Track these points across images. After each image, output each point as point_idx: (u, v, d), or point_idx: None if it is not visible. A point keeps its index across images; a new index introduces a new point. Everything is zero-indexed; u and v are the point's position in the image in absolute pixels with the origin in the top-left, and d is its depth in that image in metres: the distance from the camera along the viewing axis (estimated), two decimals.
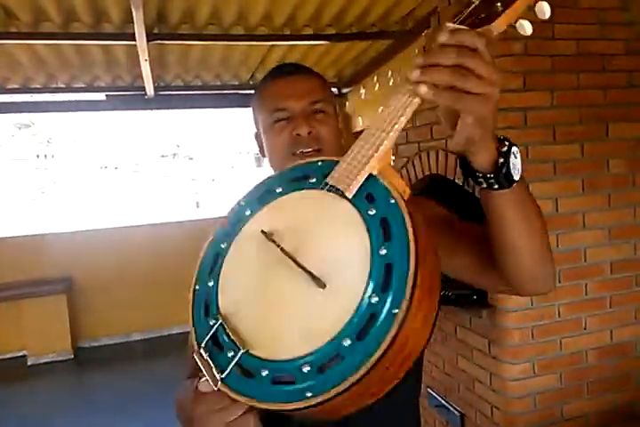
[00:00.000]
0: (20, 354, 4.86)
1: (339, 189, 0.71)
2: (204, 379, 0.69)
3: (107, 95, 4.76)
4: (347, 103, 5.42)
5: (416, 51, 3.00)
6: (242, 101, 5.25)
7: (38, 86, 4.50)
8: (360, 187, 0.70)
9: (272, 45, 3.98)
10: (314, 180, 0.76)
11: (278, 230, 0.75)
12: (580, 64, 2.29)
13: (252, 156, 41.76)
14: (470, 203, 2.46)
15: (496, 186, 0.73)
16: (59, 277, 4.98)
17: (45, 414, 3.77)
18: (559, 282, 2.32)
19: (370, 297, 0.62)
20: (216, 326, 0.72)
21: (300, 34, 3.74)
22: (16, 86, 4.46)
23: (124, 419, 3.53)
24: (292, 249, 0.71)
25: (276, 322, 0.69)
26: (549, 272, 0.87)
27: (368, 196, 0.69)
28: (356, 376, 0.59)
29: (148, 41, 3.37)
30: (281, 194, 0.79)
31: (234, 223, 0.81)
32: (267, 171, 1.04)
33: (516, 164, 0.72)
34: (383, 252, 0.64)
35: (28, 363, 4.77)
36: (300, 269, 0.68)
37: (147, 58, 3.63)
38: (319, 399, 0.61)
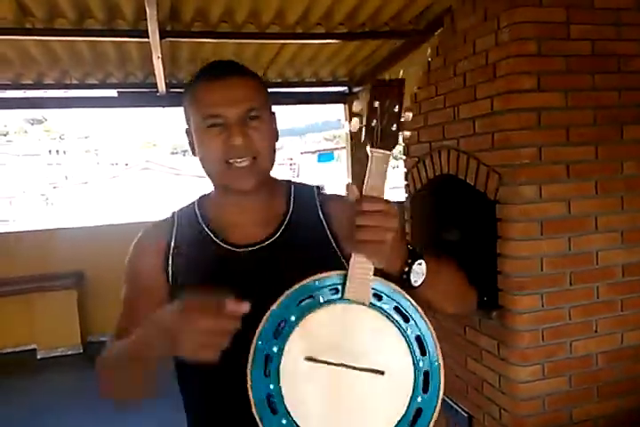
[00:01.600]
0: (30, 347, 4.90)
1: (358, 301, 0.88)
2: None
3: (119, 92, 4.79)
4: (354, 102, 5.40)
5: (428, 50, 2.98)
6: None
7: (52, 82, 4.53)
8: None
9: (284, 44, 3.98)
10: (321, 298, 0.88)
11: (317, 351, 0.86)
12: (594, 65, 2.26)
13: None
14: (481, 203, 2.45)
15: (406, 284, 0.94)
16: (69, 271, 5.01)
17: (55, 406, 3.80)
18: (570, 284, 2.30)
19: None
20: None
21: (312, 32, 3.73)
22: (30, 82, 4.49)
23: (131, 413, 3.55)
24: (338, 360, 0.85)
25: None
26: (471, 304, 1.16)
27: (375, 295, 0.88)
28: None
29: (160, 38, 3.38)
30: (297, 321, 0.87)
31: (272, 369, 0.86)
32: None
33: (419, 271, 0.95)
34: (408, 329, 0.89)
35: (38, 356, 4.80)
36: (355, 371, 0.85)
37: (159, 55, 3.64)
38: None
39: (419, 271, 0.94)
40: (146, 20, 3.05)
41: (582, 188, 2.28)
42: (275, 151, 1.08)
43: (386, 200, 0.86)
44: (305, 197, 1.15)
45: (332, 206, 1.13)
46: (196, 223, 1.11)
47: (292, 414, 0.84)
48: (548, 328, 2.30)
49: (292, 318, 0.86)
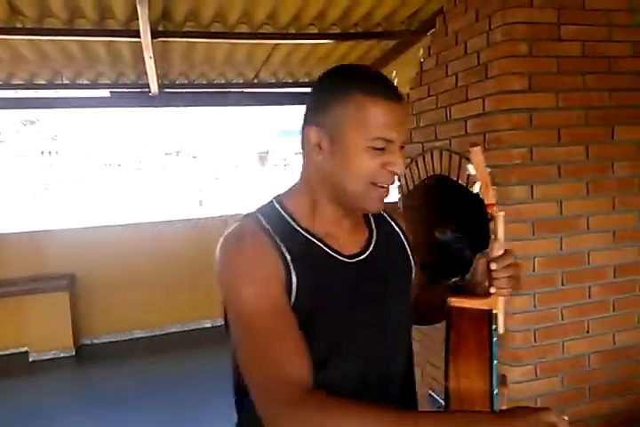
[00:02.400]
0: (22, 350, 4.86)
1: None
2: None
3: (111, 92, 4.76)
4: None
5: (421, 51, 2.98)
6: (246, 100, 5.25)
7: (43, 82, 4.50)
8: None
9: (277, 44, 3.97)
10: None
11: None
12: (585, 66, 2.27)
13: (255, 155, 41.75)
14: (472, 203, 2.44)
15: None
16: (61, 273, 4.98)
17: (46, 409, 3.77)
18: (562, 285, 2.31)
19: None
20: None
21: (305, 33, 3.72)
22: (21, 82, 4.46)
23: (124, 415, 3.54)
24: None
25: None
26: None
27: None
28: None
29: (152, 38, 3.36)
30: None
31: None
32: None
33: None
34: None
35: (30, 359, 4.77)
36: None
37: (151, 55, 3.62)
38: None
39: None
40: (137, 19, 3.03)
41: (574, 188, 2.29)
42: None
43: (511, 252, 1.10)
44: None
45: (397, 219, 1.21)
46: (295, 233, 1.03)
47: None
48: (541, 329, 2.31)
49: None
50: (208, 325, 5.28)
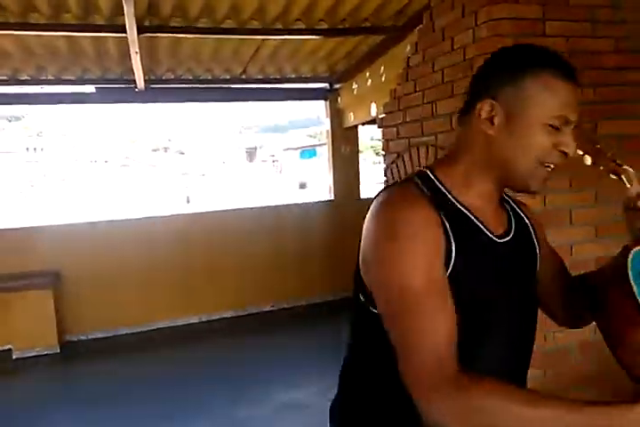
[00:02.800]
0: (6, 348, 4.82)
1: None
2: None
3: (96, 88, 4.73)
4: (338, 99, 5.41)
5: (408, 47, 2.99)
6: (233, 96, 5.24)
7: (27, 78, 4.46)
8: None
9: (264, 39, 3.97)
10: None
11: None
12: (570, 61, 2.28)
13: (242, 151, 41.65)
14: None
15: None
16: (46, 270, 4.94)
17: (31, 407, 3.75)
18: None
19: None
20: None
21: (292, 28, 3.73)
22: (4, 78, 4.42)
23: (109, 413, 3.52)
24: None
25: None
26: None
27: None
28: None
29: (138, 33, 3.35)
30: None
31: None
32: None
33: None
34: None
35: (14, 357, 4.73)
36: None
37: (137, 50, 3.61)
38: None
39: None
40: (123, 14, 3.02)
41: (557, 182, 2.31)
42: None
43: None
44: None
45: (524, 208, 1.17)
46: (451, 203, 1.00)
47: None
48: None
49: None
50: (195, 320, 5.27)
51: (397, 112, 2.91)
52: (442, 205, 0.97)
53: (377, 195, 1.01)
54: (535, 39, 2.24)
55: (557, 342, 2.39)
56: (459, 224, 0.97)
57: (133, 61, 3.87)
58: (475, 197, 1.02)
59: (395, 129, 2.93)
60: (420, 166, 2.78)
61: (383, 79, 4.20)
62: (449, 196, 1.00)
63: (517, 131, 0.97)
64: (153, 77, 4.70)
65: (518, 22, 2.22)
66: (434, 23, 2.65)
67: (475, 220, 1.01)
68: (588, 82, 2.32)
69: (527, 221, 1.13)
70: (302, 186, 25.24)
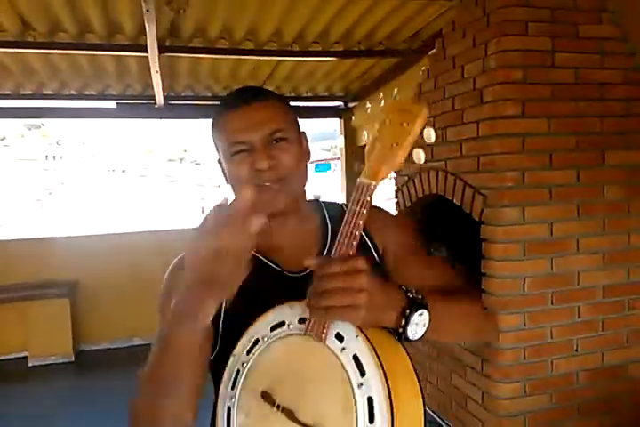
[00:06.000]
0: (22, 355, 4.91)
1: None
2: None
3: (117, 103, 4.85)
4: (352, 117, 5.48)
5: (421, 72, 3.05)
6: None
7: (51, 93, 4.59)
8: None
9: (280, 60, 4.05)
10: (290, 325, 0.86)
11: (271, 386, 0.84)
12: (578, 92, 2.33)
13: None
14: (467, 224, 2.51)
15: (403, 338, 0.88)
16: (63, 280, 5.04)
17: (44, 414, 3.81)
18: (552, 304, 2.36)
19: None
20: None
21: (309, 50, 3.81)
22: (29, 92, 4.55)
23: (121, 421, 3.57)
24: (289, 403, 0.82)
25: None
26: (488, 338, 1.15)
27: (337, 335, 0.81)
28: None
29: (159, 53, 3.44)
30: (265, 344, 0.87)
31: (234, 379, 0.89)
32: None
33: (419, 322, 0.87)
34: (362, 387, 0.77)
35: (29, 364, 4.82)
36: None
37: (158, 70, 3.71)
38: None
39: (419, 322, 0.86)
40: (145, 35, 3.12)
41: (564, 210, 2.34)
42: (306, 172, 1.07)
43: (349, 256, 0.80)
44: (337, 215, 1.07)
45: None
46: None
47: None
48: (530, 346, 2.36)
49: (264, 339, 0.88)
50: None
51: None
52: None
53: None
54: (544, 70, 2.29)
55: (559, 369, 2.41)
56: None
57: (154, 79, 3.97)
58: (261, 238, 0.97)
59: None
60: (430, 190, 2.82)
61: (397, 100, 4.27)
62: None
63: (227, 172, 1.05)
64: (172, 94, 4.81)
65: (527, 54, 2.26)
66: (445, 50, 2.71)
67: (259, 256, 1.04)
68: (595, 113, 2.37)
69: (364, 235, 1.06)
70: (317, 198, 25.28)
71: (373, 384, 0.76)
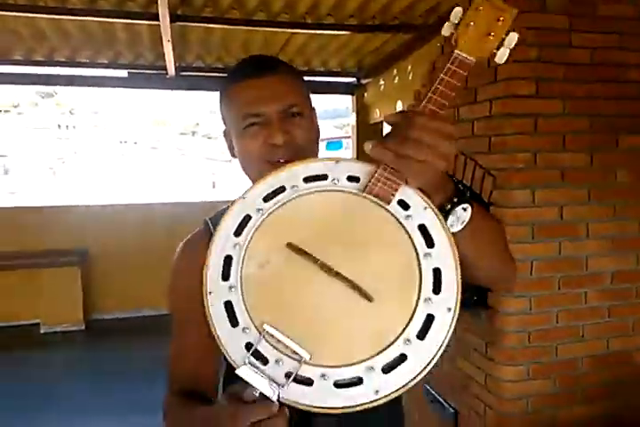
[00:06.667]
0: (34, 322, 4.98)
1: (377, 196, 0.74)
2: (257, 392, 0.70)
3: (129, 73, 4.81)
4: (365, 94, 5.40)
5: (438, 45, 2.98)
6: None
7: (62, 59, 4.55)
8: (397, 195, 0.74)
9: (293, 33, 3.98)
10: (335, 180, 0.76)
11: (305, 240, 0.74)
12: (593, 73, 2.26)
13: None
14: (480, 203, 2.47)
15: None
16: (75, 249, 5.08)
17: (54, 380, 3.91)
18: (559, 288, 2.33)
19: (425, 300, 0.71)
20: (260, 340, 0.72)
21: (322, 23, 3.73)
22: (40, 59, 4.51)
23: (129, 388, 3.64)
24: (333, 263, 0.72)
25: (328, 332, 0.73)
26: (508, 278, 1.03)
27: (401, 202, 0.74)
28: (422, 374, 0.70)
29: (171, 22, 3.40)
30: (296, 193, 0.77)
31: (241, 225, 0.77)
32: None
33: (461, 216, 0.81)
34: (428, 258, 0.72)
35: (41, 331, 4.89)
36: (344, 283, 0.72)
37: (169, 39, 3.66)
38: (385, 397, 0.70)
39: (460, 216, 0.81)
40: (157, 3, 3.07)
41: (575, 194, 2.30)
42: (318, 149, 1.03)
43: (449, 119, 0.76)
44: None
45: None
46: None
47: (243, 292, 0.75)
48: (536, 331, 2.34)
49: (293, 187, 0.77)
50: None
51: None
52: None
53: None
54: (560, 50, 2.22)
55: (564, 354, 2.40)
56: None
57: (165, 49, 3.92)
58: None
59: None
60: None
61: (410, 78, 4.18)
62: None
63: (237, 146, 1.00)
64: (184, 65, 4.76)
65: (543, 32, 2.19)
66: None
67: None
68: (611, 95, 2.30)
69: None
70: None
71: (443, 257, 0.72)
